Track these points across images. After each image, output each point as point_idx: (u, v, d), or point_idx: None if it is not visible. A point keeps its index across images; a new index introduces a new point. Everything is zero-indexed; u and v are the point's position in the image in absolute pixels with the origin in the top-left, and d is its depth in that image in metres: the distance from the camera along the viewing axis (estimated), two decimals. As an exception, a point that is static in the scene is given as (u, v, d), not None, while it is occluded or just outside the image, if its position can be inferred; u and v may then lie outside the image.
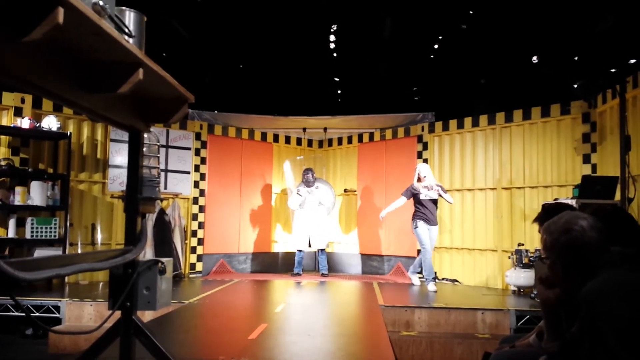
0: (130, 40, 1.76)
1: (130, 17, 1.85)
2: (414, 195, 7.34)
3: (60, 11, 1.15)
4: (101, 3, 1.49)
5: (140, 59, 1.63)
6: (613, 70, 6.06)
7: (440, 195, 7.25)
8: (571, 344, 1.89)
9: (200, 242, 8.64)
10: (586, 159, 6.96)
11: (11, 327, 5.92)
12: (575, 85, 6.33)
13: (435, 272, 7.74)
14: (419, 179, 7.34)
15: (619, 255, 1.91)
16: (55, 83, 1.52)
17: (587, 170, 6.88)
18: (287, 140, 10.14)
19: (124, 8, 1.84)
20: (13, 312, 5.57)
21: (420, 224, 7.20)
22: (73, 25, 1.23)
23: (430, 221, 7.26)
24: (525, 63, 6.82)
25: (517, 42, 6.67)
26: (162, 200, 7.66)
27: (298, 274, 8.78)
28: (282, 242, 9.92)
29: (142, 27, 1.94)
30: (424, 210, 7.24)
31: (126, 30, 1.75)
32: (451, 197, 7.43)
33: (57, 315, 5.67)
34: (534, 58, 6.70)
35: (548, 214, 2.55)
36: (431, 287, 7.09)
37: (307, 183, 8.90)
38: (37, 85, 1.46)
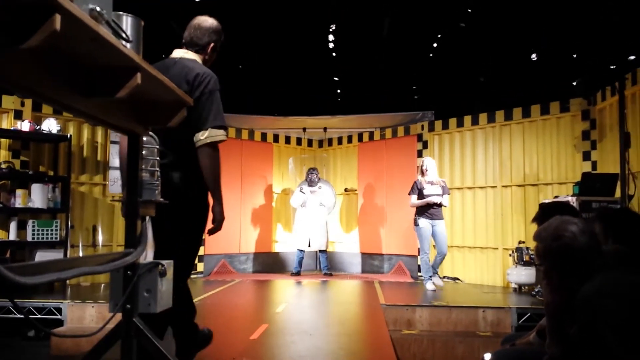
0: (128, 45, 1.77)
1: (127, 22, 1.87)
2: (419, 191, 6.89)
3: (57, 18, 1.16)
4: (98, 9, 1.50)
5: (138, 63, 1.63)
6: (612, 67, 6.06)
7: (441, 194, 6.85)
8: (572, 347, 1.90)
9: (202, 242, 8.64)
10: (586, 156, 6.97)
11: (13, 329, 5.94)
12: (575, 83, 6.34)
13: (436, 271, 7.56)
14: (422, 173, 6.99)
15: (613, 256, 1.92)
16: (52, 88, 1.53)
17: (587, 167, 6.88)
18: (287, 140, 10.15)
19: (121, 13, 1.85)
20: (15, 314, 5.58)
21: (423, 221, 6.83)
22: (70, 31, 1.24)
23: (434, 216, 6.83)
24: (524, 61, 6.82)
25: (516, 39, 6.67)
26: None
27: (297, 274, 8.79)
28: (283, 242, 9.94)
29: (140, 31, 1.95)
30: (426, 206, 6.81)
31: (123, 35, 1.76)
32: (447, 201, 7.05)
33: (59, 317, 5.69)
34: (533, 56, 6.70)
35: (545, 213, 2.56)
36: (429, 285, 6.88)
37: (311, 183, 8.93)
38: (35, 91, 1.47)
